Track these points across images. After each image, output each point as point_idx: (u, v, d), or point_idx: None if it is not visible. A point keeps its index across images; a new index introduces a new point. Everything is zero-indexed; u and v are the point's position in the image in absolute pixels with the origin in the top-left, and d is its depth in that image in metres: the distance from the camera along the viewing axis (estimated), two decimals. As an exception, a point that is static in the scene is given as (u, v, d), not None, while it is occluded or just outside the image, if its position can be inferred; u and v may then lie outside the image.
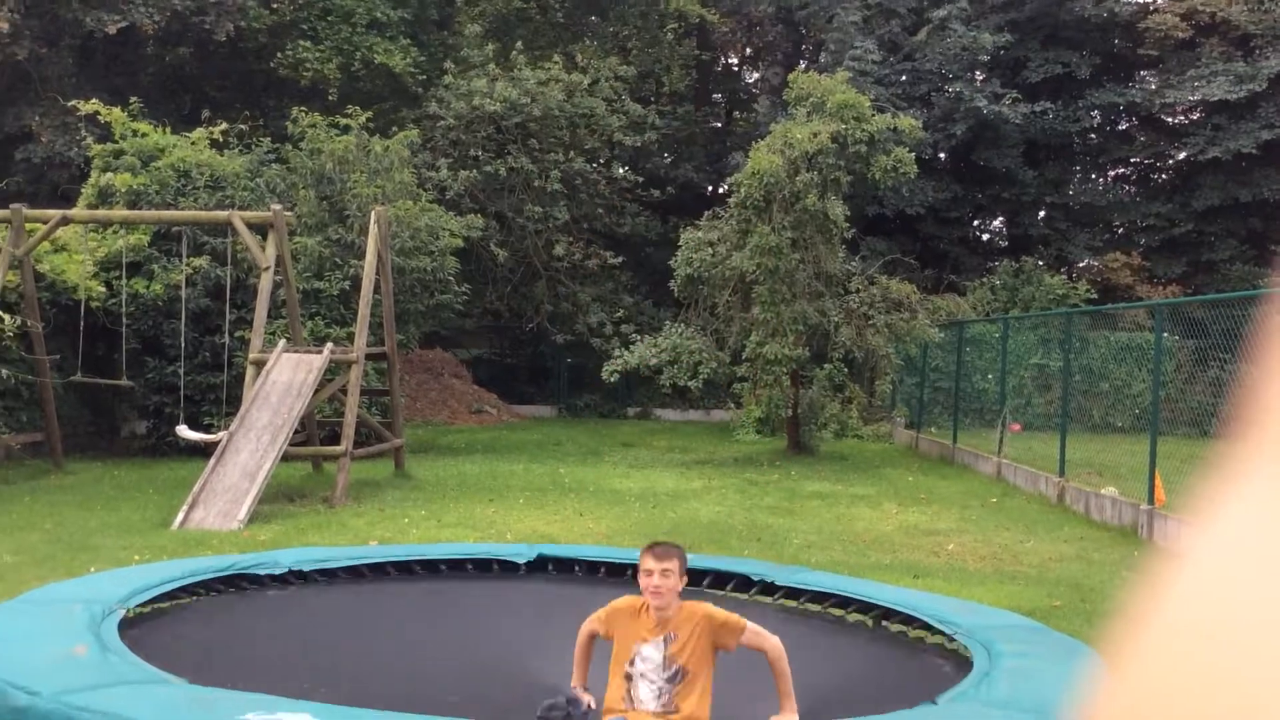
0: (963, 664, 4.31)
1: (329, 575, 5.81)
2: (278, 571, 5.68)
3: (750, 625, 4.20)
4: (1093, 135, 26.06)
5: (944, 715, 3.60)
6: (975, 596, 6.37)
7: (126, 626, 4.45)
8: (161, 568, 5.64)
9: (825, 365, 15.86)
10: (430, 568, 6.09)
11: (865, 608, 5.31)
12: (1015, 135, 23.97)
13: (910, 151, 14.94)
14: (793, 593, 5.64)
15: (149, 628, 4.50)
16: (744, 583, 5.84)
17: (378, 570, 5.97)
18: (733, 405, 19.64)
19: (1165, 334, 10.25)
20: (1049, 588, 7.37)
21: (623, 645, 4.22)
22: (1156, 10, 24.26)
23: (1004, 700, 3.70)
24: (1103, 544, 9.33)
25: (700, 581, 5.82)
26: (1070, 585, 7.50)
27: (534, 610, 5.11)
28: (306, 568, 5.81)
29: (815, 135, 14.15)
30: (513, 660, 4.29)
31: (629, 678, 4.22)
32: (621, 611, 4.27)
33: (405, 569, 6.05)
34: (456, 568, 6.13)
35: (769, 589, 5.77)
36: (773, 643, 4.15)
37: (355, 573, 5.90)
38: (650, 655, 4.18)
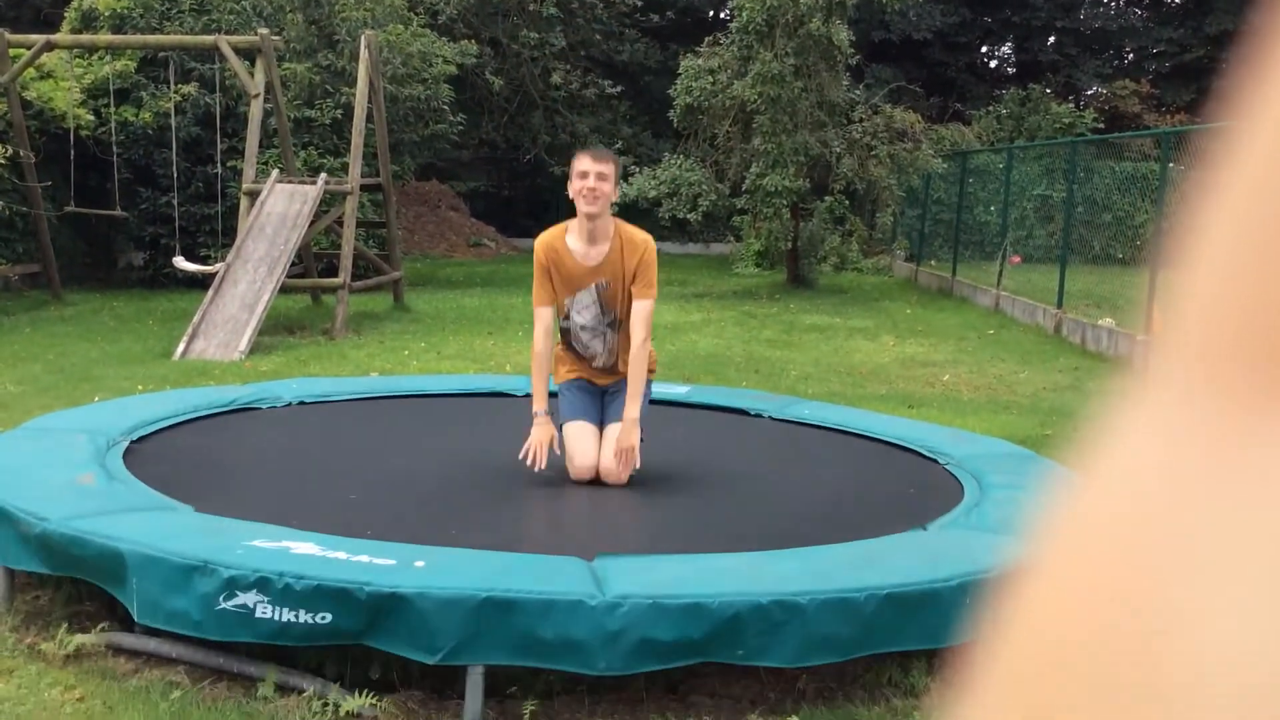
0: (954, 492, 4.41)
1: (332, 405, 5.88)
2: (280, 405, 5.75)
3: (650, 304, 4.21)
4: (1108, -44, 25.16)
5: (933, 539, 3.69)
6: (969, 426, 6.47)
7: (131, 456, 4.52)
8: (163, 400, 5.70)
9: (826, 198, 15.70)
10: (432, 399, 6.16)
11: (859, 438, 5.39)
12: (1028, -44, 23.13)
13: (919, -27, 14.42)
14: (789, 424, 5.72)
15: (153, 457, 4.57)
16: (740, 415, 5.91)
17: (379, 400, 6.03)
18: (732, 238, 19.53)
19: (1171, 163, 10.09)
20: (1042, 417, 7.47)
21: (558, 282, 4.20)
22: None
23: (992, 525, 3.79)
24: (1098, 374, 9.42)
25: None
26: (1063, 414, 7.60)
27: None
28: (309, 401, 5.87)
29: (821, -44, 13.62)
30: (518, 482, 4.37)
31: (568, 331, 4.25)
32: (552, 254, 4.22)
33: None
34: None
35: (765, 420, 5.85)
36: (641, 338, 4.20)
37: (357, 402, 5.97)
38: (585, 303, 4.24)
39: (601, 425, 4.37)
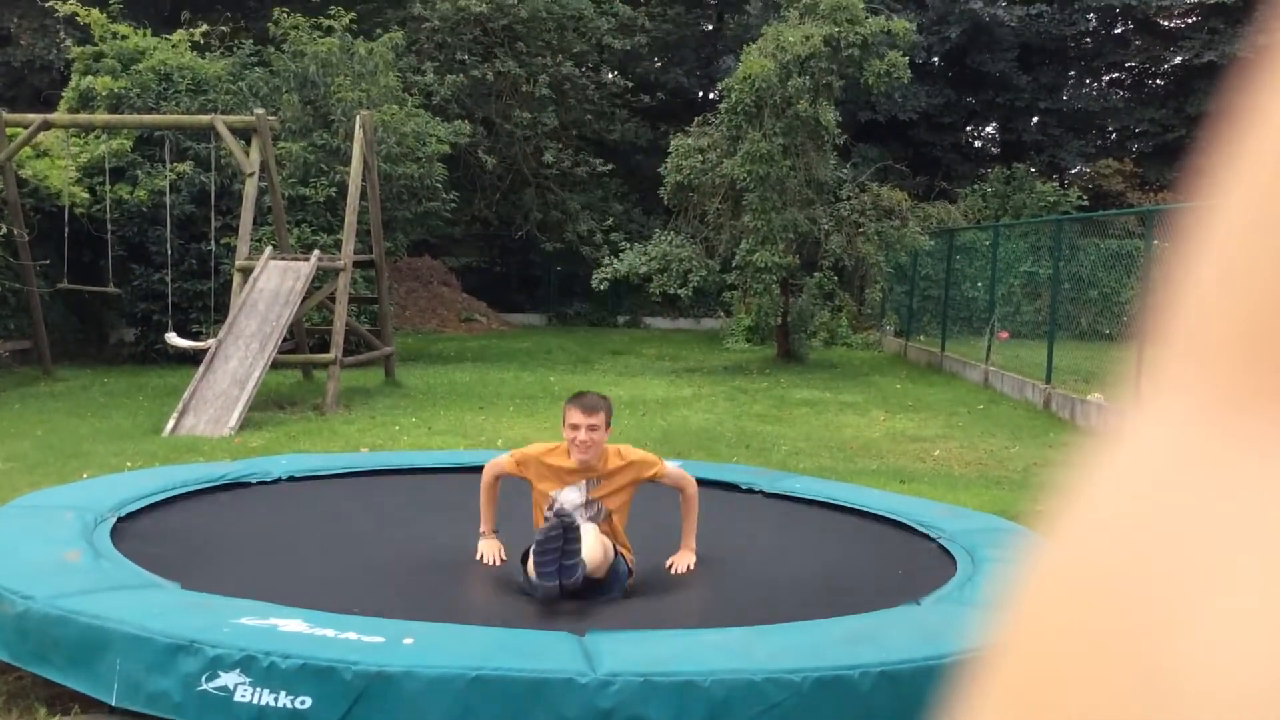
0: (947, 567, 4.38)
1: (322, 481, 5.85)
2: (269, 480, 5.72)
3: (669, 465, 4.35)
4: (1088, 39, 25.69)
5: (927, 614, 3.67)
6: (961, 501, 6.46)
7: (119, 533, 4.48)
8: (153, 476, 5.67)
9: (815, 273, 15.82)
10: (423, 475, 6.14)
11: (851, 512, 5.38)
12: (1010, 39, 23.62)
13: (904, 55, 14.71)
14: (781, 499, 5.71)
15: (141, 534, 4.54)
16: (732, 490, 5.89)
17: (370, 477, 6.01)
18: (723, 313, 19.64)
19: (1156, 241, 10.22)
20: (1033, 492, 7.46)
21: (541, 491, 4.31)
22: (1157, -91, 23.73)
23: (986, 601, 3.76)
24: (1088, 449, 9.41)
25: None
26: (1055, 490, 7.57)
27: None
28: (299, 476, 5.85)
29: (808, 38, 13.91)
30: (512, 561, 4.34)
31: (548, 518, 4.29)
32: (534, 459, 4.34)
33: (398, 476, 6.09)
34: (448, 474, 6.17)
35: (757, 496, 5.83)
36: (690, 481, 4.37)
37: (348, 478, 5.94)
38: (571, 498, 4.28)
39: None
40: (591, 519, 4.21)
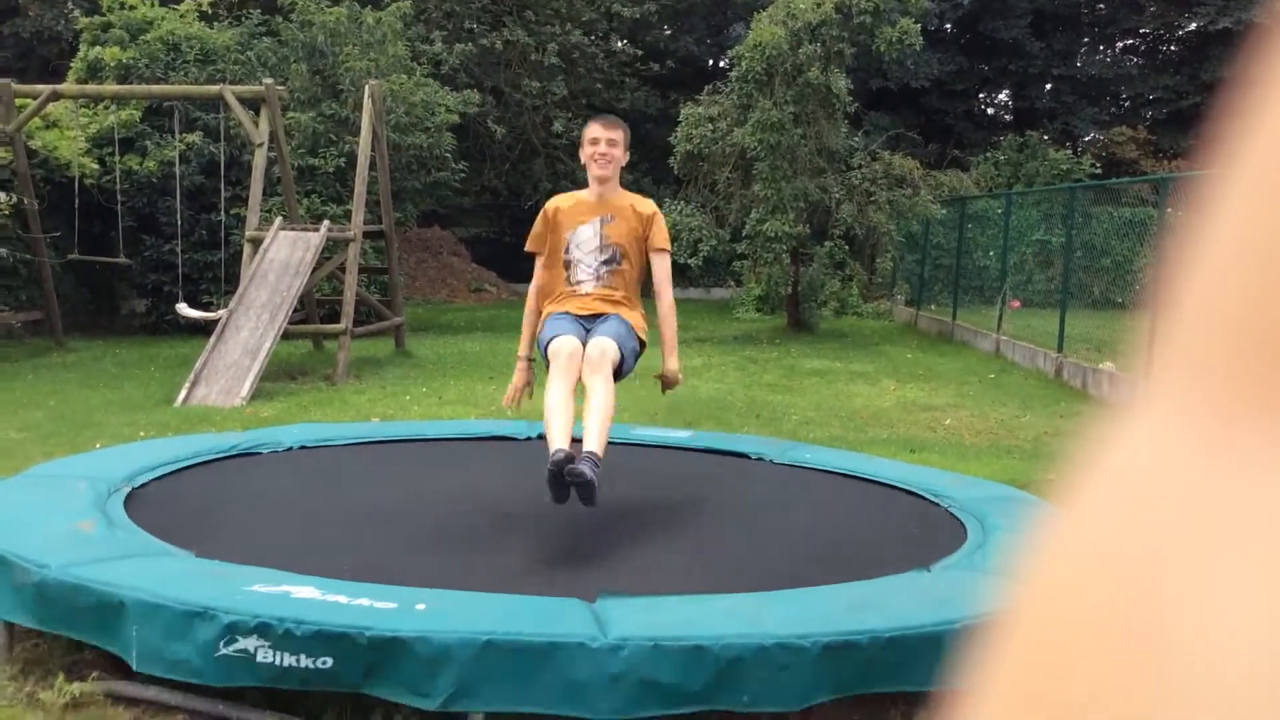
0: (957, 534, 4.39)
1: (333, 450, 5.88)
2: (281, 450, 5.75)
3: (669, 261, 4.44)
4: (1102, 5, 25.43)
5: (936, 581, 3.68)
6: (971, 470, 6.46)
7: (132, 502, 4.51)
8: (165, 446, 5.70)
9: (826, 243, 15.77)
10: (433, 444, 6.16)
11: (861, 481, 5.38)
12: (1023, 5, 23.39)
13: (916, 22, 14.58)
14: (791, 468, 5.72)
15: (154, 503, 4.57)
16: (742, 459, 5.90)
17: (381, 446, 6.03)
18: (733, 283, 19.60)
19: (1169, 209, 10.16)
20: (1044, 462, 7.46)
21: (559, 237, 4.35)
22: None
23: (995, 568, 3.77)
24: (1099, 418, 9.40)
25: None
26: (1066, 459, 7.57)
27: (537, 476, 5.17)
28: (310, 445, 5.87)
29: (819, 4, 13.79)
30: (520, 525, 4.36)
31: (566, 265, 4.35)
32: (553, 208, 4.36)
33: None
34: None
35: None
36: (668, 296, 4.45)
37: (359, 447, 5.96)
38: (586, 236, 4.31)
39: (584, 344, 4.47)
40: (606, 262, 4.26)
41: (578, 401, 4.19)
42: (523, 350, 4.50)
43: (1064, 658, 0.23)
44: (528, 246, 4.49)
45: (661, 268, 4.47)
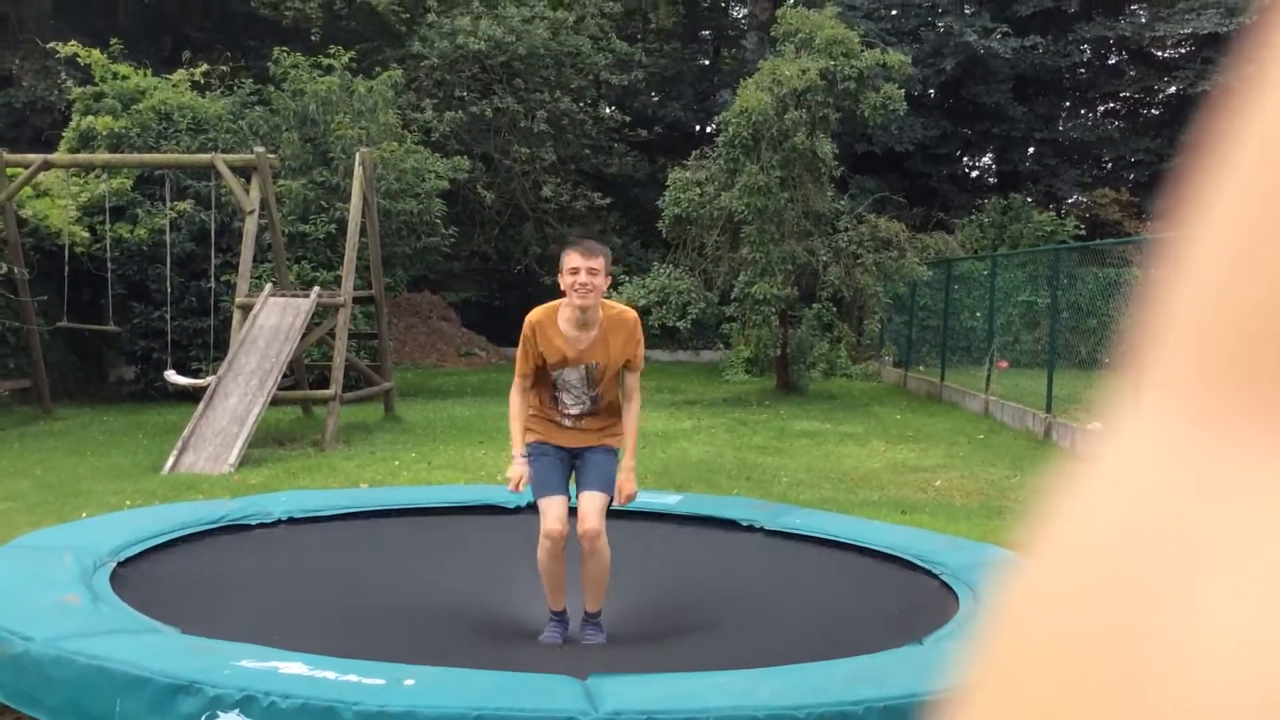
0: (949, 604, 4.37)
1: (321, 522, 5.84)
2: (269, 521, 5.71)
3: (639, 374, 4.44)
4: (1082, 70, 25.85)
5: (930, 654, 3.65)
6: (962, 532, 6.44)
7: (118, 578, 4.47)
8: (152, 516, 5.66)
9: (814, 305, 15.85)
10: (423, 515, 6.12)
11: (853, 549, 5.36)
12: (1005, 70, 23.76)
13: (900, 88, 14.80)
14: (782, 536, 5.69)
15: (140, 579, 4.52)
16: (733, 528, 5.88)
17: (370, 518, 5.99)
18: (722, 345, 19.64)
19: (1152, 269, 10.25)
20: (1028, 520, 7.43)
21: (545, 369, 4.33)
22: (1148, -59, 23.96)
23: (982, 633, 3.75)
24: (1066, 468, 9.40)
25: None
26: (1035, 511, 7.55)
27: (527, 550, 5.14)
28: (298, 516, 5.83)
29: (804, 72, 14.00)
30: (510, 601, 4.33)
31: (554, 388, 4.34)
32: (538, 322, 4.36)
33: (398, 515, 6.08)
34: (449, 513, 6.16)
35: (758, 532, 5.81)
36: (637, 402, 4.47)
37: (347, 519, 5.92)
38: (573, 380, 4.30)
39: (570, 484, 4.46)
40: (592, 399, 4.34)
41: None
42: (516, 450, 4.48)
43: (1049, 668, 0.23)
44: (518, 372, 4.45)
45: (632, 380, 4.47)
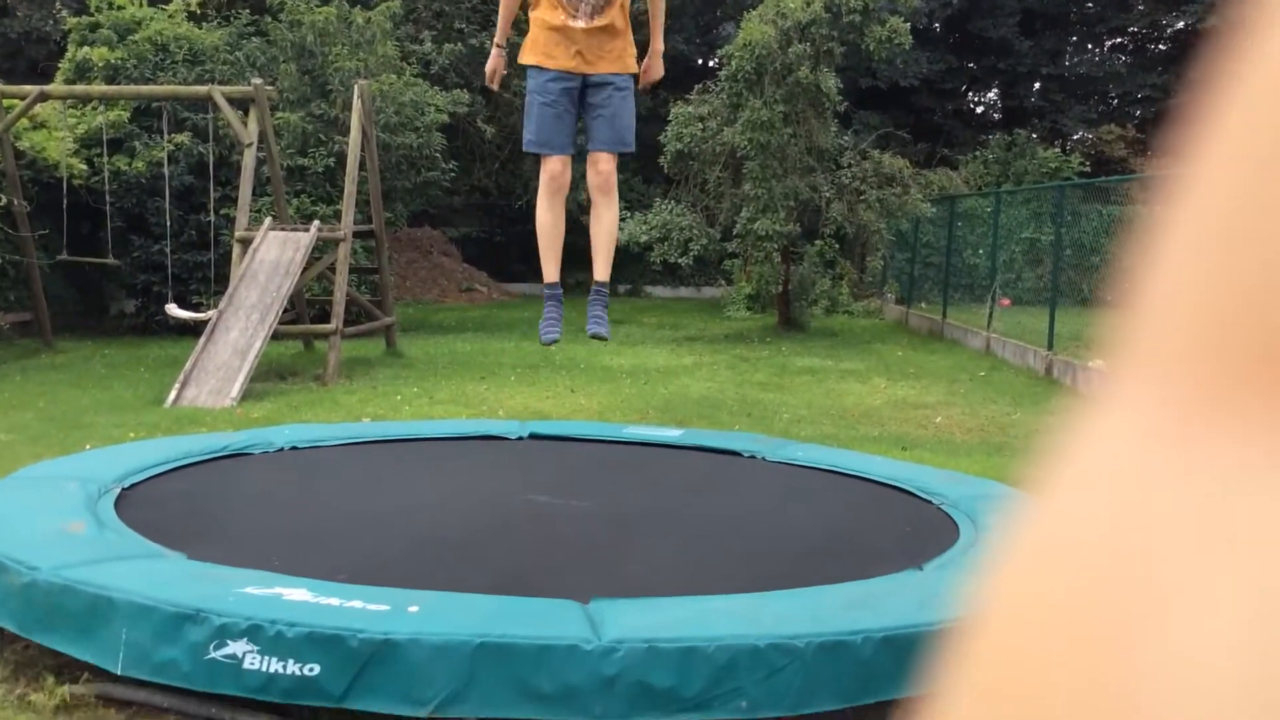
0: (949, 533, 4.40)
1: (324, 450, 5.86)
2: (272, 450, 5.73)
3: None
4: (1090, 4, 25.49)
5: (929, 580, 3.68)
6: (962, 467, 6.47)
7: (122, 503, 4.49)
8: (155, 447, 5.68)
9: (816, 241, 15.79)
10: (425, 444, 6.15)
11: (853, 479, 5.39)
12: (1011, 4, 23.44)
13: (905, 21, 14.60)
14: (783, 466, 5.72)
15: (145, 504, 4.55)
16: (734, 457, 5.90)
17: (372, 446, 6.02)
18: (723, 282, 19.60)
19: (1156, 206, 10.17)
20: (1035, 458, 7.46)
21: None
22: None
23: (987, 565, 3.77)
24: (1075, 411, 9.42)
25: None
26: (1039, 453, 7.59)
27: (529, 477, 5.18)
28: (301, 447, 5.85)
29: (809, 4, 13.80)
30: (512, 526, 4.36)
31: None
32: None
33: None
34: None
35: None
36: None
37: (350, 448, 5.95)
38: None
39: (581, 127, 4.48)
40: None
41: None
42: (498, 39, 4.56)
43: (1032, 661, 0.23)
44: None
45: None
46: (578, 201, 11.47)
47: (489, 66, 4.52)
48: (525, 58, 4.45)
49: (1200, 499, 0.21)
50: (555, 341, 4.50)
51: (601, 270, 4.38)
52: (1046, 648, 0.22)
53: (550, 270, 4.50)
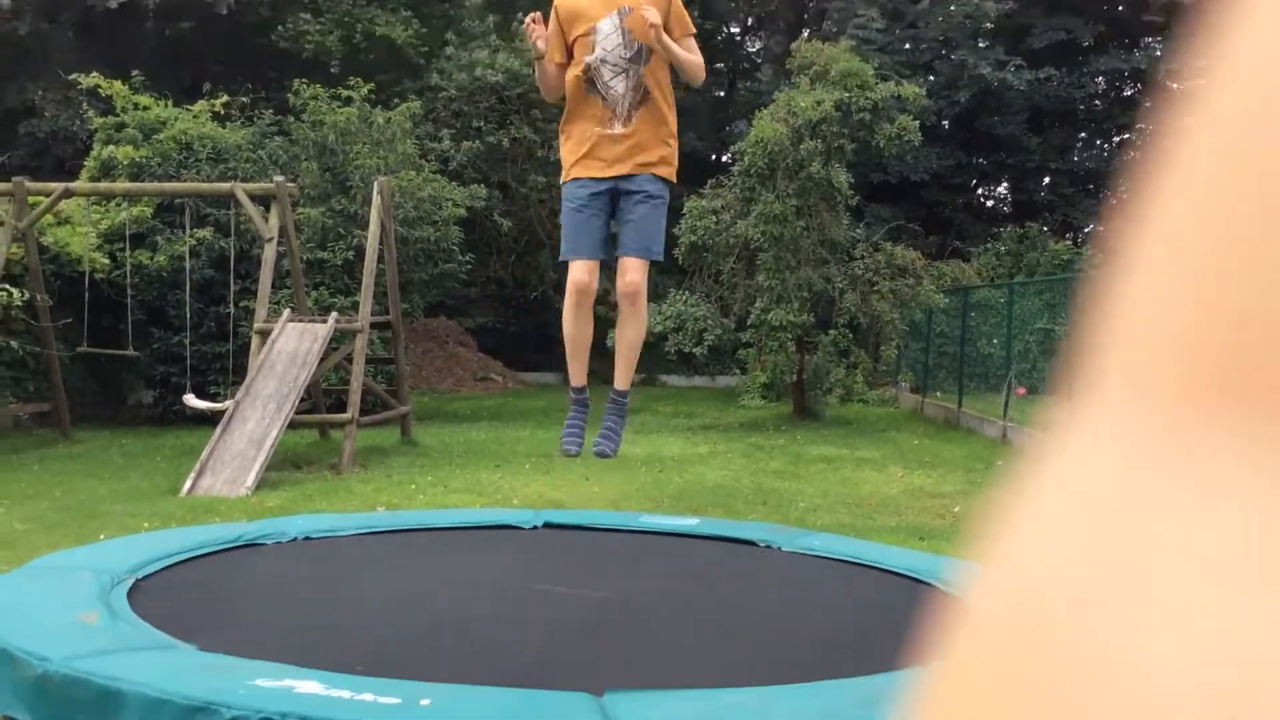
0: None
1: (337, 541, 5.85)
2: (285, 541, 5.72)
3: (692, 35, 4.16)
4: (1097, 101, 25.88)
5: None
6: (980, 559, 6.39)
7: (135, 594, 4.48)
8: (168, 538, 5.67)
9: (830, 331, 15.86)
10: (439, 534, 6.12)
11: (871, 570, 5.33)
12: (1019, 102, 23.82)
13: (914, 119, 14.85)
14: (799, 556, 5.67)
15: (158, 595, 4.53)
16: (750, 546, 5.86)
17: (386, 536, 5.99)
18: (738, 371, 19.64)
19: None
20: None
21: (577, 29, 4.09)
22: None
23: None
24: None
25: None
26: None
27: (543, 567, 5.14)
28: (314, 537, 5.84)
29: (819, 104, 14.07)
30: (526, 617, 4.32)
31: (588, 70, 4.04)
32: (564, 4, 4.15)
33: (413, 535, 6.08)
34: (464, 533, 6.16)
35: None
36: (698, 58, 4.18)
37: (363, 538, 5.93)
38: (606, 32, 4.00)
39: (610, 237, 4.38)
40: (633, 60, 4.01)
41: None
42: (536, 55, 4.32)
43: (1004, 681, 0.22)
44: (556, 40, 4.27)
45: (688, 43, 4.21)
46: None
47: (536, 37, 4.21)
48: (566, 177, 4.49)
49: (1172, 518, 0.21)
50: (574, 455, 4.46)
51: (622, 380, 4.35)
52: (1017, 671, 0.22)
53: (577, 374, 4.47)
